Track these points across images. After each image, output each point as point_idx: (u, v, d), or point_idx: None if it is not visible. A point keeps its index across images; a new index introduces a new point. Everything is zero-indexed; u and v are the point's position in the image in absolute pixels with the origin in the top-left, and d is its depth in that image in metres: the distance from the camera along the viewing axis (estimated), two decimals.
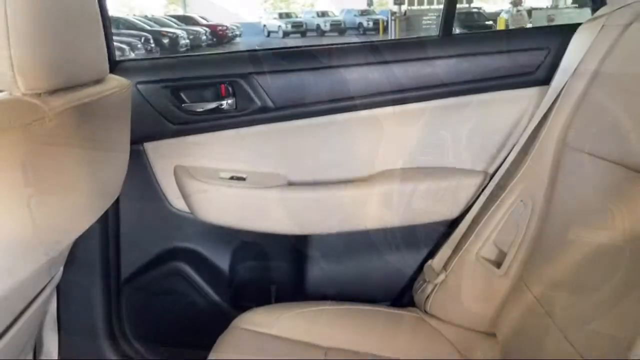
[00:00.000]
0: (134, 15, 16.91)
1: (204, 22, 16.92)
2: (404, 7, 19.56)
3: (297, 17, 22.66)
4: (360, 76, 1.14)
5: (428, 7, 20.48)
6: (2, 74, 0.59)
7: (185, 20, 16.39)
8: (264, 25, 20.90)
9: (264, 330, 1.03)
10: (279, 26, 20.29)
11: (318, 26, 19.64)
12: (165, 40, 11.55)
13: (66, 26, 0.68)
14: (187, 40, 12.40)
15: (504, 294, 1.01)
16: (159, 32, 12.15)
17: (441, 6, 1.21)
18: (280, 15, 23.29)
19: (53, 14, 0.65)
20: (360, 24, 19.28)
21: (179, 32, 12.75)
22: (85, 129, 0.73)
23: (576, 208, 0.88)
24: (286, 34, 19.56)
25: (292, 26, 20.41)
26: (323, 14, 21.79)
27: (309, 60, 1.15)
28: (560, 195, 0.94)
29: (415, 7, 21.68)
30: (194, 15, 20.47)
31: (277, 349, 1.00)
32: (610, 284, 0.73)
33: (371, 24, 18.30)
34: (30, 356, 1.14)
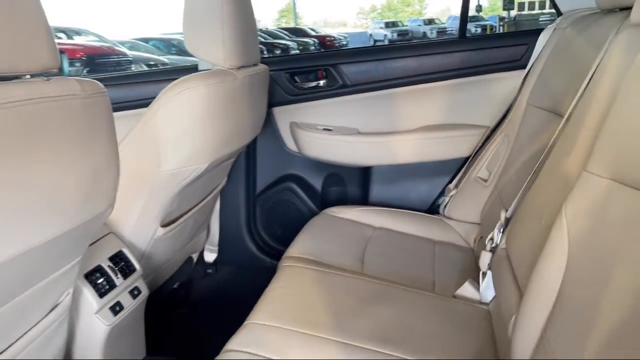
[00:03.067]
0: None
1: (313, 33, 18.06)
2: (513, 13, 19.34)
3: (403, 25, 23.23)
4: (403, 64, 1.81)
5: (539, 11, 20.03)
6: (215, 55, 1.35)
7: (296, 32, 17.57)
8: (370, 35, 21.71)
9: (339, 215, 1.72)
10: (385, 35, 20.95)
11: (424, 34, 20.01)
12: (277, 52, 12.76)
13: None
14: (297, 51, 13.52)
15: (486, 197, 1.62)
16: (272, 44, 13.41)
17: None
18: (387, 25, 23.98)
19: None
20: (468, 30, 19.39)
21: (289, 43, 13.94)
22: (254, 89, 1.49)
23: (525, 143, 1.46)
24: (392, 42, 20.14)
25: (398, 34, 20.95)
26: (430, 22, 22.16)
27: (371, 54, 1.85)
28: (520, 136, 1.53)
29: (526, 12, 21.27)
30: (304, 27, 21.79)
31: (346, 226, 1.68)
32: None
33: (479, 30, 18.30)
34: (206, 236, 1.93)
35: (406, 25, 22.67)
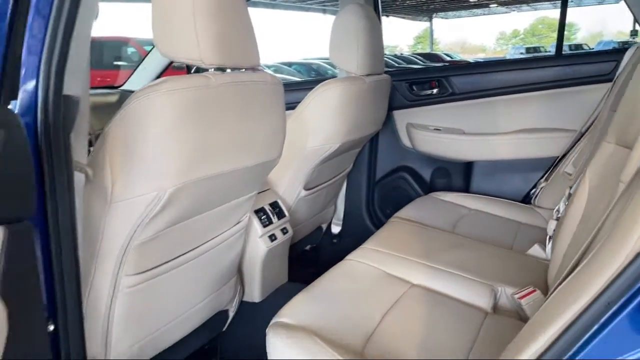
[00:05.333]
0: (386, 54, 19.14)
1: (448, 59, 18.19)
2: None
3: (546, 51, 22.37)
4: (504, 77, 2.16)
5: None
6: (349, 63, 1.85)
7: (430, 57, 17.83)
8: None
9: (441, 198, 2.11)
10: None
11: None
12: None
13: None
14: None
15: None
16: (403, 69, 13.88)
17: None
18: (528, 50, 23.26)
19: None
20: None
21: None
22: (377, 92, 1.96)
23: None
24: None
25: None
26: (576, 48, 21.11)
27: (476, 68, 2.22)
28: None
29: None
30: (439, 52, 21.93)
31: (445, 205, 2.06)
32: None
33: None
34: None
35: (549, 51, 21.81)
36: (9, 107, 0.81)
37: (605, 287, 0.62)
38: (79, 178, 0.97)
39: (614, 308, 0.61)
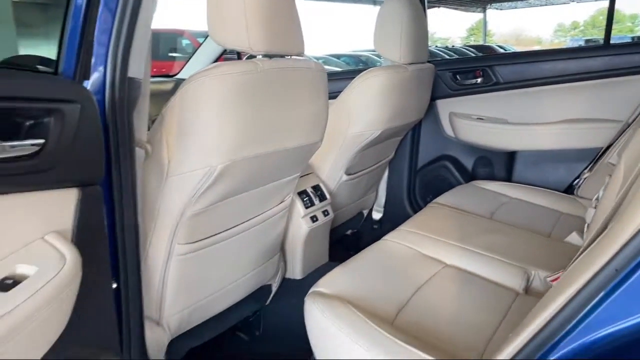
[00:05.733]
0: (436, 46, 18.85)
1: (501, 51, 17.69)
2: None
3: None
4: (551, 66, 2.15)
5: None
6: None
7: (482, 49, 17.37)
8: None
9: (482, 186, 2.14)
10: None
11: None
12: None
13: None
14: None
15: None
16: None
17: None
18: (587, 42, 22.32)
19: None
20: None
21: None
22: (420, 81, 2.00)
23: None
24: None
25: None
26: None
27: (523, 57, 2.22)
28: None
29: None
30: (493, 45, 21.35)
31: (486, 193, 2.08)
32: None
33: None
34: None
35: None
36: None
37: (614, 254, 0.66)
38: (139, 153, 1.08)
39: (623, 274, 0.65)
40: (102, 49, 0.93)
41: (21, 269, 0.72)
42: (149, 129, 1.21)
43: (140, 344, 1.12)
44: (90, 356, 0.90)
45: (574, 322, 0.70)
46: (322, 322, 1.12)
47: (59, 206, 0.82)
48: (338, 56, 13.75)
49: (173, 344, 1.36)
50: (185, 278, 1.28)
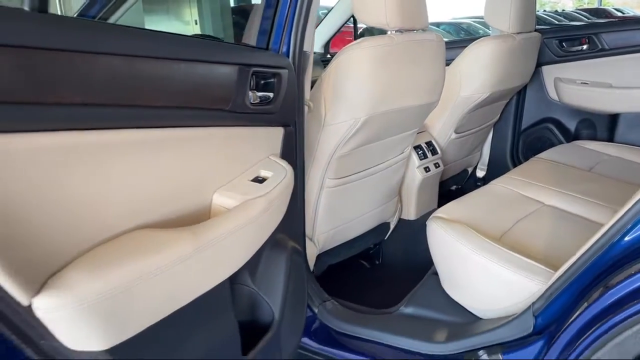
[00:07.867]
0: (544, 11, 17.82)
1: (619, 14, 16.40)
2: None
3: None
4: None
5: None
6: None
7: (597, 13, 16.24)
8: None
9: (583, 145, 2.31)
10: None
11: None
12: None
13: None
14: None
15: None
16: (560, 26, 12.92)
17: None
18: None
19: None
20: None
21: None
22: (526, 49, 2.21)
23: None
24: None
25: None
26: None
27: (630, 24, 2.34)
28: None
29: None
30: (609, 7, 19.76)
31: (585, 151, 2.26)
32: None
33: None
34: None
35: None
36: None
37: None
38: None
39: None
40: (289, 31, 1.31)
41: (264, 173, 1.13)
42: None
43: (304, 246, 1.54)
44: (286, 241, 1.30)
45: None
46: (443, 237, 1.45)
47: (275, 138, 1.23)
48: (438, 24, 13.59)
49: (318, 259, 1.76)
50: (331, 205, 1.67)
